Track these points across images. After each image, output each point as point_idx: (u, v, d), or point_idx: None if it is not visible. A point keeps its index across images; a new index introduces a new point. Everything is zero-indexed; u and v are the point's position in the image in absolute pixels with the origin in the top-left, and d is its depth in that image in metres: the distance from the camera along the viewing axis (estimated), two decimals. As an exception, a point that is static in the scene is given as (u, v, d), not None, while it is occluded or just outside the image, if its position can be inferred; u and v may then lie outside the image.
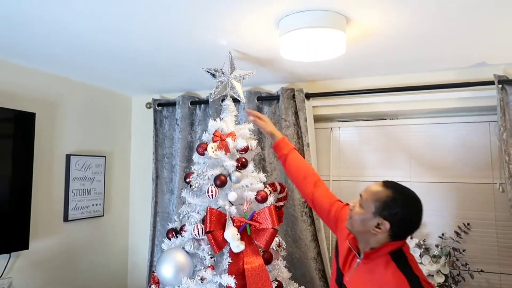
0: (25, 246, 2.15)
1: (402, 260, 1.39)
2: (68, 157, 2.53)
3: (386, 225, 1.36)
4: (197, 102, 2.84)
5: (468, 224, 2.32)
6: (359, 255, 1.47)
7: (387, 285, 1.33)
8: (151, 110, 2.97)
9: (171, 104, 2.91)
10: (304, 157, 2.48)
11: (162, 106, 2.95)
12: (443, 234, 2.34)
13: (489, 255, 2.29)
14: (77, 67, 2.34)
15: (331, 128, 2.75)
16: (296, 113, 2.54)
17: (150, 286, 1.77)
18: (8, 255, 2.11)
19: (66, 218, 2.50)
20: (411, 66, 2.26)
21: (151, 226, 2.85)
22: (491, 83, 2.13)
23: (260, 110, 2.65)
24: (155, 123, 2.94)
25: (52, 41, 1.87)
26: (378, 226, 1.38)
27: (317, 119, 2.65)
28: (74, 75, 2.53)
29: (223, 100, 2.00)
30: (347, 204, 1.70)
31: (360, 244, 1.48)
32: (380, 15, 1.56)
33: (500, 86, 2.11)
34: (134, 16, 1.57)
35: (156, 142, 2.93)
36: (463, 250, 2.26)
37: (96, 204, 2.73)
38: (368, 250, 1.42)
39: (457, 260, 2.24)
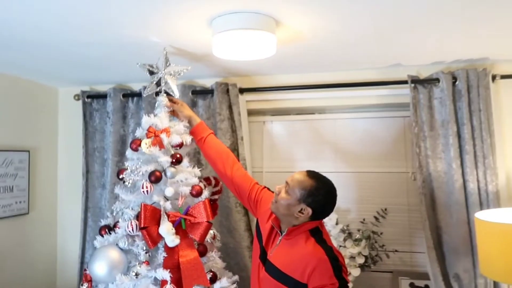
0: None
1: (319, 235, 1.62)
2: (-14, 153, 2.36)
3: (309, 210, 1.57)
4: (129, 94, 2.78)
5: (385, 209, 2.56)
6: (281, 233, 1.65)
7: (308, 256, 1.54)
8: (80, 102, 2.85)
9: (102, 96, 2.82)
10: (238, 150, 2.57)
11: (92, 98, 2.85)
12: (364, 219, 2.57)
13: (402, 236, 2.56)
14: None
15: (264, 122, 2.85)
16: (230, 107, 2.59)
17: (82, 285, 1.75)
18: None
19: (-15, 218, 2.35)
20: (337, 65, 2.42)
21: (82, 222, 2.76)
22: (405, 82, 2.36)
23: (194, 103, 2.67)
24: (84, 116, 2.83)
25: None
26: (301, 211, 1.57)
27: (251, 112, 2.74)
28: (-8, 65, 2.36)
29: (157, 94, 1.99)
30: (265, 187, 1.90)
31: (283, 224, 1.66)
32: (309, 21, 1.66)
33: (412, 85, 2.34)
34: (60, 14, 1.53)
35: (86, 136, 2.83)
36: (381, 233, 2.51)
37: (20, 202, 2.58)
38: (291, 227, 1.61)
39: (376, 242, 2.47)
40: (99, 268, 1.61)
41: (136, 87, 2.82)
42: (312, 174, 1.62)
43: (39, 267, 2.75)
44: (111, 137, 2.75)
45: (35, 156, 2.74)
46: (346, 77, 2.50)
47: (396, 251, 2.52)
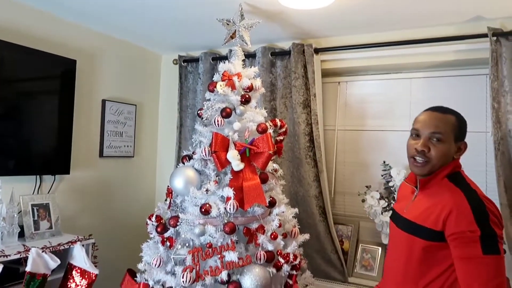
0: (67, 171, 2.56)
1: (459, 179, 1.43)
2: (103, 102, 2.91)
3: (465, 144, 1.48)
4: (217, 58, 3.13)
5: (459, 169, 2.49)
6: (416, 188, 1.52)
7: (444, 200, 1.37)
8: (177, 66, 3.29)
9: (195, 60, 3.23)
10: (311, 106, 2.73)
11: (187, 62, 3.27)
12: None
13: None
14: (117, 25, 2.71)
15: (339, 83, 2.96)
16: (305, 66, 2.77)
17: (166, 199, 2.12)
18: (53, 176, 2.53)
19: (101, 154, 2.90)
20: (410, 22, 2.43)
21: (175, 167, 3.21)
22: (486, 36, 2.26)
23: (273, 64, 2.90)
24: (180, 77, 3.27)
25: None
26: (459, 150, 1.47)
27: (326, 74, 2.87)
28: (114, 32, 2.91)
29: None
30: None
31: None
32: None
33: (494, 38, 2.24)
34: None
35: (181, 95, 3.27)
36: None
37: (127, 146, 3.12)
38: (422, 178, 1.47)
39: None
40: (177, 182, 1.95)
41: (224, 51, 3.16)
42: (442, 110, 1.48)
43: (140, 200, 3.29)
44: (200, 95, 3.14)
45: (141, 109, 3.27)
46: (420, 35, 2.49)
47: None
